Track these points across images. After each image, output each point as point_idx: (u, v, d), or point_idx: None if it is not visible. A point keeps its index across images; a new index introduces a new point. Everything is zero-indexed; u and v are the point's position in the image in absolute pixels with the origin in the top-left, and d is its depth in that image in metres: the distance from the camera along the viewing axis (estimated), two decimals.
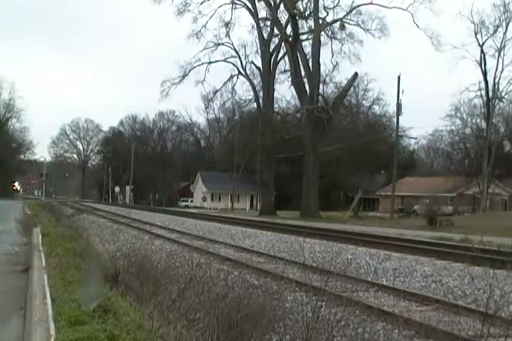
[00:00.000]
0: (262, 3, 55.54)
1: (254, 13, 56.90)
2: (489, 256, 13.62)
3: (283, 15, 55.09)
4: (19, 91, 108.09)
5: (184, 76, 59.78)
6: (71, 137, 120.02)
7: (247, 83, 62.57)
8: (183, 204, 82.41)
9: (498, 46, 53.02)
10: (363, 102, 79.33)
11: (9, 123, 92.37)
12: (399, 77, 43.09)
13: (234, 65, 61.64)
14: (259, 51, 59.11)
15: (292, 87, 56.02)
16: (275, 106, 65.32)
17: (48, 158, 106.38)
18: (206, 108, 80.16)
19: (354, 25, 53.39)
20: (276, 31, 57.04)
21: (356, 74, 54.33)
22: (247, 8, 56.95)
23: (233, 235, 22.50)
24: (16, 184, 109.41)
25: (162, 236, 21.06)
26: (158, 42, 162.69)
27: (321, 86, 56.12)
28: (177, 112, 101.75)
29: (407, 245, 17.41)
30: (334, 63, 56.15)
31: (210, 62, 60.07)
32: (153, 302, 5.70)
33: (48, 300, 5.29)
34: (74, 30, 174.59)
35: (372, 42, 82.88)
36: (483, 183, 54.18)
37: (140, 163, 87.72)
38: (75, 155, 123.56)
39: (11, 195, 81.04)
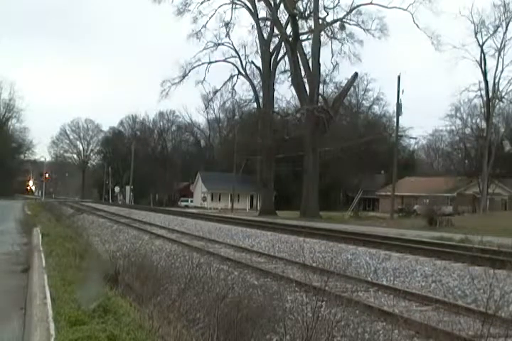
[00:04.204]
0: (262, 3, 55.59)
1: (254, 13, 56.90)
2: (489, 256, 13.61)
3: (283, 15, 55.21)
4: (19, 91, 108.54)
5: (184, 76, 59.87)
6: (71, 137, 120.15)
7: (247, 83, 62.70)
8: (183, 204, 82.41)
9: (498, 46, 53.11)
10: (363, 102, 79.52)
11: (9, 123, 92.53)
12: (399, 77, 43.10)
13: (234, 64, 61.75)
14: (259, 51, 59.17)
15: (292, 87, 56.11)
16: (275, 106, 65.39)
17: (48, 158, 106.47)
18: (206, 108, 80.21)
19: (354, 25, 53.47)
20: (276, 31, 57.07)
21: (356, 74, 54.40)
22: (247, 8, 56.98)
23: (233, 235, 22.50)
24: (31, 183, 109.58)
25: (162, 236, 21.06)
26: (158, 42, 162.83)
27: (321, 86, 56.20)
28: (177, 112, 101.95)
29: (407, 245, 17.39)
30: (334, 63, 56.26)
31: (210, 62, 60.18)
32: (153, 302, 5.69)
33: (48, 300, 5.29)
34: (74, 31, 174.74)
35: (372, 42, 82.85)
36: (483, 183, 54.17)
37: (140, 163, 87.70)
38: (75, 155, 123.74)
39: (11, 195, 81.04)
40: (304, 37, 54.72)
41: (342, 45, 54.73)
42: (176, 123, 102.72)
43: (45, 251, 9.70)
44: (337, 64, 56.16)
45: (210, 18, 57.74)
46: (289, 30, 53.92)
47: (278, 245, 18.37)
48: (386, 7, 51.25)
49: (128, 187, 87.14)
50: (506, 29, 52.53)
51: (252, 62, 61.14)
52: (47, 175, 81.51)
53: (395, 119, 48.53)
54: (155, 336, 4.31)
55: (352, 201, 60.60)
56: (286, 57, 56.47)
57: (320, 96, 53.45)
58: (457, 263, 13.76)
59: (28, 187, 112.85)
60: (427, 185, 58.33)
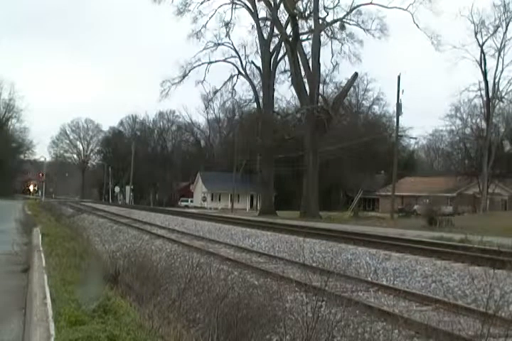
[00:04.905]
0: (262, 3, 55.56)
1: (254, 13, 56.89)
2: (489, 256, 13.62)
3: (283, 15, 55.18)
4: (19, 92, 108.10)
5: (184, 76, 59.82)
6: (71, 137, 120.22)
7: (247, 83, 62.65)
8: (183, 204, 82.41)
9: (498, 46, 53.06)
10: (363, 102, 79.40)
11: (9, 123, 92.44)
12: (399, 77, 43.08)
13: (234, 64, 61.71)
14: (259, 51, 59.14)
15: (292, 87, 56.11)
16: (275, 106, 65.35)
17: (48, 158, 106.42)
18: (206, 108, 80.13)
19: (354, 25, 53.43)
20: (276, 31, 57.05)
21: (356, 74, 54.36)
22: (247, 8, 56.96)
23: (233, 235, 22.50)
24: (32, 183, 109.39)
25: (162, 236, 21.07)
26: (158, 42, 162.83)
27: (321, 86, 56.14)
28: (177, 112, 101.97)
29: (407, 245, 17.39)
30: (334, 63, 56.25)
31: (210, 62, 60.13)
32: (153, 302, 5.69)
33: (48, 300, 5.29)
34: (74, 31, 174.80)
35: (372, 42, 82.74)
36: (483, 183, 54.17)
37: (140, 163, 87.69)
38: (75, 155, 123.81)
39: (11, 195, 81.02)
40: (304, 37, 54.79)
41: (342, 45, 54.78)
42: (176, 123, 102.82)
43: (45, 251, 9.69)
44: (337, 64, 56.24)
45: (210, 18, 57.76)
46: (289, 30, 53.95)
47: (278, 245, 18.37)
48: (386, 7, 51.29)
49: (128, 187, 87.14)
50: (506, 29, 52.55)
51: (252, 62, 61.19)
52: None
53: (394, 119, 48.56)
54: (155, 336, 4.31)
55: (352, 201, 60.58)
56: (286, 57, 56.46)
57: (320, 96, 53.41)
58: (457, 263, 13.76)
59: (31, 188, 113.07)
60: (427, 185, 58.31)
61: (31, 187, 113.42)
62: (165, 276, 7.42)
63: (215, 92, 65.22)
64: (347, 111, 75.35)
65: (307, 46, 53.36)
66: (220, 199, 79.20)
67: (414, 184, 63.41)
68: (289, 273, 11.39)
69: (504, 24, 52.46)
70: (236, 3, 57.63)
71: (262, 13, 57.88)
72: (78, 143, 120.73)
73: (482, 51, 53.43)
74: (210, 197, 79.38)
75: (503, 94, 54.80)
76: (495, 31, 52.82)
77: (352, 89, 63.69)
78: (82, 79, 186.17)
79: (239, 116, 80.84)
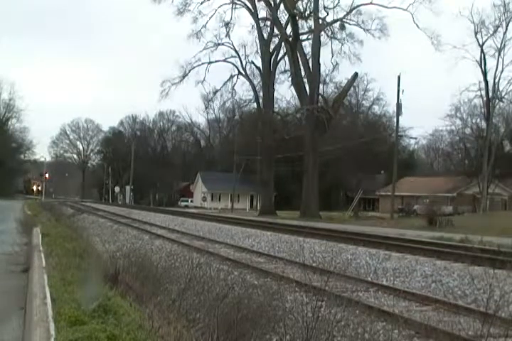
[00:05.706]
0: (262, 3, 55.61)
1: (254, 13, 56.93)
2: (489, 256, 13.61)
3: (283, 15, 55.24)
4: (19, 92, 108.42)
5: (184, 76, 59.86)
6: (71, 137, 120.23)
7: (247, 83, 62.71)
8: (183, 204, 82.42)
9: (498, 46, 53.07)
10: (363, 102, 79.36)
11: (9, 123, 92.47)
12: (399, 77, 43.09)
13: (234, 65, 61.75)
14: (259, 51, 59.20)
15: (292, 87, 56.16)
16: (275, 106, 65.42)
17: (48, 158, 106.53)
18: (206, 108, 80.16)
19: (354, 25, 53.49)
20: (276, 31, 57.09)
21: (356, 74, 54.38)
22: (247, 8, 57.00)
23: (233, 235, 22.49)
24: (35, 183, 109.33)
25: (162, 236, 21.07)
26: (158, 42, 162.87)
27: (321, 86, 56.22)
28: (177, 112, 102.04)
29: (407, 245, 17.39)
30: (334, 63, 56.31)
31: (210, 62, 60.18)
32: (153, 302, 5.69)
33: (48, 300, 5.28)
34: (74, 31, 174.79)
35: (372, 42, 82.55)
36: (483, 183, 54.17)
37: (140, 163, 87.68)
38: (75, 155, 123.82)
39: (11, 195, 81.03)
40: (304, 37, 54.85)
41: (342, 45, 54.84)
42: (176, 123, 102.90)
43: (45, 251, 9.69)
44: (337, 64, 56.29)
45: (210, 18, 57.86)
46: (289, 30, 53.97)
47: (278, 245, 18.36)
48: (386, 7, 51.33)
49: (128, 187, 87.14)
50: (506, 29, 52.55)
51: (252, 62, 61.23)
52: (47, 174, 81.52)
53: (394, 119, 48.56)
54: (155, 336, 4.31)
55: (352, 201, 60.63)
56: (286, 57, 56.50)
57: (320, 96, 53.41)
58: (457, 263, 13.75)
59: (34, 188, 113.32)
60: (427, 185, 58.32)
61: (35, 187, 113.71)
62: (165, 276, 7.41)
63: (215, 92, 65.29)
64: (347, 111, 75.36)
65: (307, 46, 53.50)
66: (220, 200, 79.20)
67: (414, 184, 63.41)
68: (289, 273, 11.39)
69: (504, 24, 52.53)
70: (236, 3, 57.73)
71: (262, 13, 58.06)
72: (78, 143, 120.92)
73: (482, 51, 53.47)
74: (210, 197, 79.38)
75: (503, 94, 54.87)
76: (495, 31, 52.89)
77: (352, 89, 63.73)
78: (82, 79, 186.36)
79: (239, 116, 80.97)
